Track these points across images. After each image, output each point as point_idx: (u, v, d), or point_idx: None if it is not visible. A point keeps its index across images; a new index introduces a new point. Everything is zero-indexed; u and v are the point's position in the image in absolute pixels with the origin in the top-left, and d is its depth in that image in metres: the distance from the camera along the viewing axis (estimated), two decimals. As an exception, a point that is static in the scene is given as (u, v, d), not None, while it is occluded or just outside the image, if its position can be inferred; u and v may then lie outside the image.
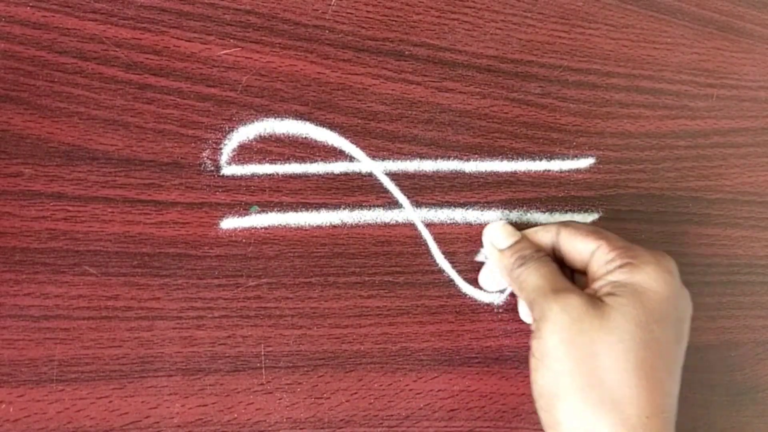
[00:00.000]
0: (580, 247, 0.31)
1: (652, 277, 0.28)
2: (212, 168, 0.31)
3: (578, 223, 0.32)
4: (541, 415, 0.29)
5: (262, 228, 0.32)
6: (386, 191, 0.34)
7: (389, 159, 0.34)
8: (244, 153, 0.32)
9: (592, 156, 0.38)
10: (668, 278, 0.28)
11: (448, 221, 0.35)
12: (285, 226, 0.32)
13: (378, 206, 0.34)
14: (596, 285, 0.29)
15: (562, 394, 0.27)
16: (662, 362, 0.27)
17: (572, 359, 0.27)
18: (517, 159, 0.36)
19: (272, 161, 0.32)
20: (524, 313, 0.34)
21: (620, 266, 0.29)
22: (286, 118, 0.33)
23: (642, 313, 0.27)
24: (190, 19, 0.31)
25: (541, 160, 0.37)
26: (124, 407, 0.29)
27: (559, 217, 0.37)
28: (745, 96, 0.42)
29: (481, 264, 0.35)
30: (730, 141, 0.41)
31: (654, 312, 0.27)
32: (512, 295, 0.35)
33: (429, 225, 0.34)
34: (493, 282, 0.34)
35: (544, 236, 0.32)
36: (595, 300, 0.28)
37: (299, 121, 0.33)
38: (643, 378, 0.26)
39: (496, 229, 0.33)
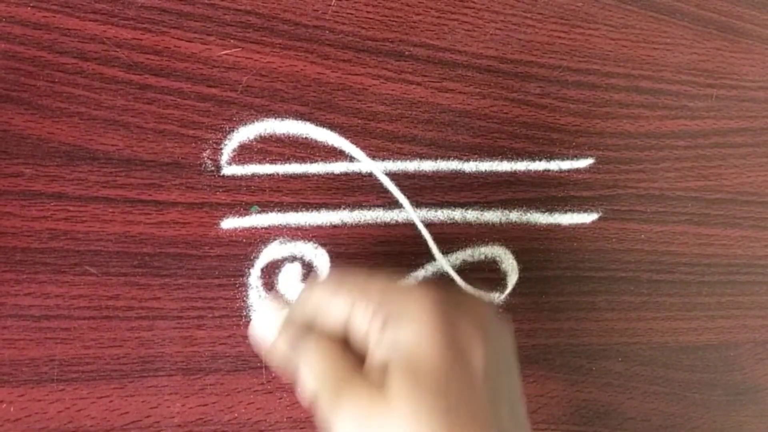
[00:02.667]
0: (337, 314, 0.25)
1: (415, 330, 0.24)
2: (212, 168, 0.31)
3: (321, 279, 0.28)
4: None
5: (262, 228, 0.32)
6: (386, 191, 0.34)
7: (389, 159, 0.34)
8: (245, 153, 0.32)
9: (591, 156, 0.38)
10: (435, 319, 0.24)
11: (448, 221, 0.35)
12: (285, 226, 0.32)
13: (378, 206, 0.34)
14: (371, 358, 0.25)
15: None
16: (469, 416, 0.23)
17: None
18: (517, 159, 0.36)
19: (272, 161, 0.32)
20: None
21: (381, 328, 0.24)
22: (286, 118, 0.33)
23: (423, 387, 0.23)
24: (191, 20, 0.31)
25: (541, 160, 0.37)
26: (124, 407, 0.29)
27: (558, 217, 0.37)
28: (745, 96, 0.42)
29: None
30: (729, 141, 0.41)
31: (433, 380, 0.23)
32: (512, 294, 0.35)
33: (429, 225, 0.35)
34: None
35: (297, 317, 0.27)
36: (377, 391, 0.23)
37: (299, 121, 0.33)
38: None
39: (257, 322, 0.27)
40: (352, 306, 0.25)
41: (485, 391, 0.24)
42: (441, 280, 0.34)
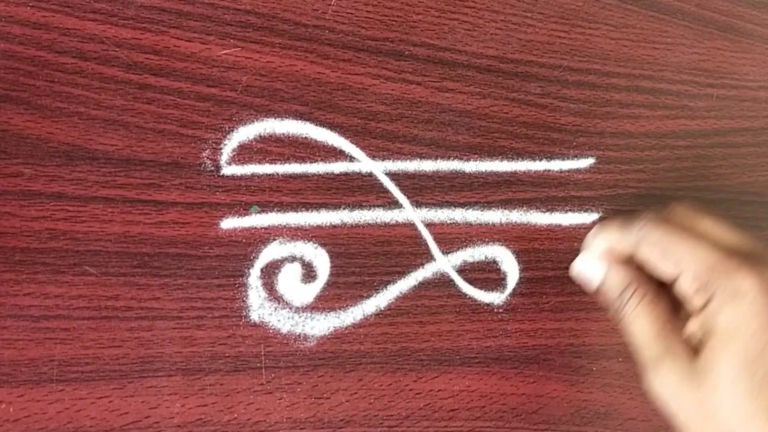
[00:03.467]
0: (662, 270, 0.30)
1: (733, 317, 0.26)
2: (212, 168, 0.31)
3: (655, 228, 0.30)
4: None
5: (261, 228, 0.32)
6: (386, 191, 0.34)
7: (389, 159, 0.34)
8: (244, 153, 0.32)
9: (592, 156, 0.38)
10: (752, 304, 0.26)
11: (448, 221, 0.35)
12: (285, 226, 0.32)
13: (378, 206, 0.34)
14: (691, 326, 0.29)
15: None
16: None
17: (693, 425, 0.27)
18: (517, 159, 0.36)
19: (272, 161, 0.32)
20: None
21: (702, 306, 0.28)
22: (286, 118, 0.33)
23: (740, 356, 0.26)
24: (190, 19, 0.31)
25: (541, 160, 0.37)
26: (124, 407, 0.29)
27: (559, 217, 0.37)
28: (745, 96, 0.42)
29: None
30: (730, 141, 0.41)
31: (751, 348, 0.26)
32: (512, 295, 0.35)
33: (429, 225, 0.34)
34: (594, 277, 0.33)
35: (622, 243, 0.32)
36: (689, 366, 0.27)
37: (299, 121, 0.33)
38: (760, 422, 0.25)
39: (579, 268, 0.33)
40: (681, 271, 0.28)
41: None
42: (449, 282, 0.34)
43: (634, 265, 0.32)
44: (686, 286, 0.29)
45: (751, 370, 0.26)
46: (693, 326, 0.28)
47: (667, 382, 0.28)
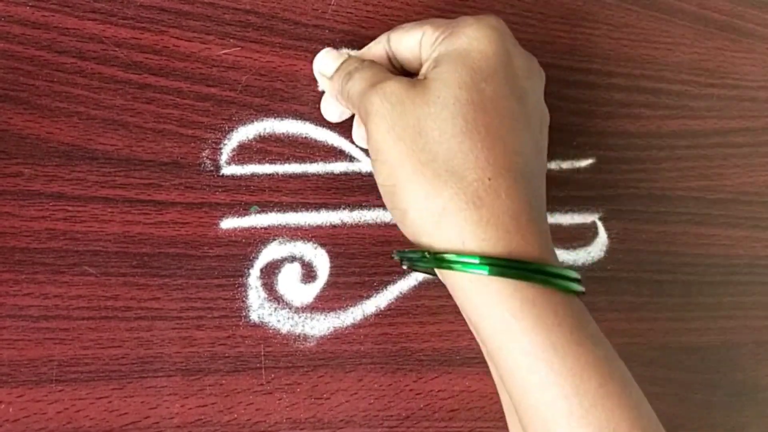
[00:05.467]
0: (409, 43, 0.28)
1: (472, 38, 0.25)
2: (212, 168, 0.31)
3: (406, 24, 0.29)
4: (393, 215, 0.27)
5: (261, 228, 0.32)
6: (386, 191, 0.34)
7: (389, 159, 0.34)
8: (244, 153, 0.32)
9: (592, 156, 0.38)
10: (492, 35, 0.25)
11: (448, 221, 0.35)
12: (284, 226, 0.32)
13: (378, 206, 0.34)
14: (423, 69, 0.27)
15: (398, 182, 0.25)
16: (499, 120, 0.24)
17: (401, 143, 0.24)
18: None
19: (272, 161, 0.32)
20: (357, 135, 0.32)
21: (442, 40, 0.26)
22: (286, 118, 0.33)
23: (465, 74, 0.24)
24: (190, 19, 0.31)
25: (541, 160, 0.37)
26: (123, 407, 0.29)
27: (559, 217, 0.37)
28: (746, 96, 0.42)
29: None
30: (730, 141, 0.41)
31: (480, 70, 0.25)
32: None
33: (429, 225, 0.34)
34: (333, 111, 0.32)
35: (376, 49, 0.30)
36: (415, 80, 0.26)
37: (299, 121, 0.33)
38: (477, 138, 0.24)
39: (321, 57, 0.31)
40: (423, 34, 0.27)
41: (521, 111, 0.25)
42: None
43: None
44: (428, 39, 0.27)
45: (477, 88, 0.24)
46: (426, 63, 0.27)
47: (391, 92, 0.25)
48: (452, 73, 0.25)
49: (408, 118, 0.24)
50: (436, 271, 0.26)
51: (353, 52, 0.32)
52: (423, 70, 0.27)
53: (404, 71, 0.30)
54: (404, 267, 0.28)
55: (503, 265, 0.23)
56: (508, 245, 0.23)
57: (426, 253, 0.24)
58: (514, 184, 0.24)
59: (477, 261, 0.23)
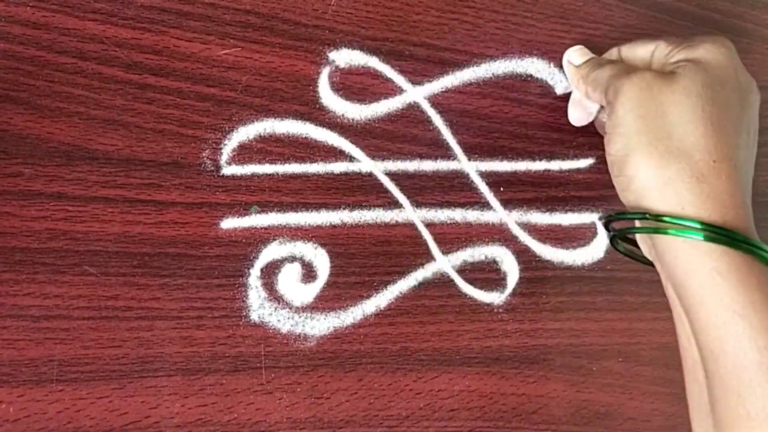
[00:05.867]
0: (641, 53, 0.33)
1: (709, 50, 0.29)
2: (212, 168, 0.31)
3: (639, 40, 0.34)
4: (615, 183, 0.30)
5: (261, 228, 0.32)
6: (386, 191, 0.34)
7: (389, 159, 0.34)
8: (244, 153, 0.32)
9: (592, 156, 0.38)
10: (725, 51, 0.30)
11: (448, 221, 0.35)
12: (285, 226, 0.32)
13: (378, 206, 0.34)
14: (663, 68, 0.31)
15: (632, 152, 0.28)
16: (728, 118, 0.28)
17: (642, 120, 0.28)
18: (517, 159, 0.36)
19: (272, 161, 0.32)
20: (574, 115, 0.36)
21: (680, 50, 0.30)
22: (286, 118, 0.33)
23: (707, 76, 0.29)
24: (190, 19, 0.31)
25: (541, 160, 0.37)
26: (123, 407, 0.29)
27: (559, 217, 0.37)
28: (746, 96, 0.42)
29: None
30: (730, 141, 0.41)
31: (717, 77, 0.29)
32: (512, 294, 0.35)
33: (429, 225, 0.34)
34: (580, 115, 0.36)
35: (609, 57, 0.35)
36: (664, 72, 0.30)
37: (299, 121, 0.33)
38: (710, 128, 0.28)
39: (572, 51, 0.36)
40: (656, 47, 0.32)
41: (740, 111, 0.30)
42: (449, 282, 0.34)
43: None
44: (663, 52, 0.31)
45: (713, 89, 0.28)
46: (664, 66, 0.31)
47: (642, 78, 0.29)
48: (696, 72, 0.29)
49: (654, 100, 0.29)
50: (645, 237, 0.30)
51: (590, 54, 0.36)
52: (664, 67, 0.31)
53: None
54: (609, 234, 0.33)
55: (717, 232, 0.26)
56: (722, 216, 0.27)
57: (647, 215, 0.28)
58: (733, 170, 0.28)
59: (696, 225, 0.27)
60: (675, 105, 0.28)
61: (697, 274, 0.27)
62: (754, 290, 0.26)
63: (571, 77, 0.36)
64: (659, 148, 0.28)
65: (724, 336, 0.26)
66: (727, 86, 0.29)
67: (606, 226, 0.33)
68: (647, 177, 0.28)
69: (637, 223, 0.30)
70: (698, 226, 0.27)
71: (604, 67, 0.32)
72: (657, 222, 0.28)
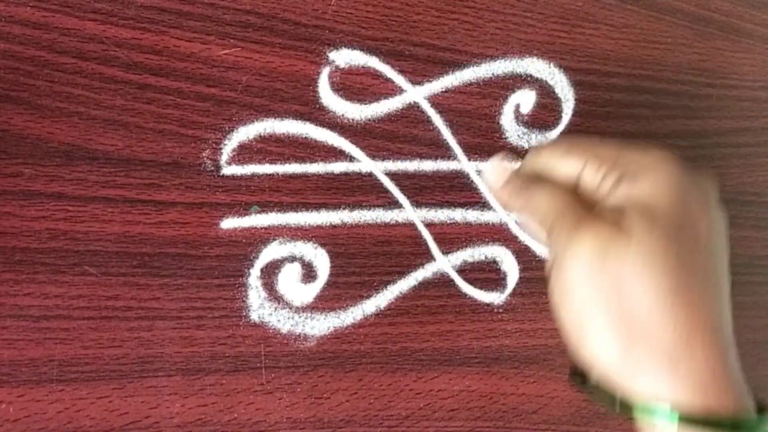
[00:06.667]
0: (566, 171, 0.28)
1: (655, 183, 0.25)
2: (212, 168, 0.31)
3: (549, 142, 0.30)
4: (572, 352, 0.26)
5: (261, 228, 0.32)
6: (386, 191, 0.34)
7: (389, 159, 0.34)
8: (244, 153, 0.32)
9: (592, 156, 0.38)
10: (673, 184, 0.26)
11: (448, 221, 0.35)
12: (285, 226, 0.32)
13: (378, 206, 0.34)
14: (599, 206, 0.27)
15: (589, 331, 0.25)
16: (693, 278, 0.25)
17: (598, 293, 0.25)
18: (517, 159, 0.36)
19: (272, 161, 0.32)
20: (532, 230, 0.33)
21: (617, 183, 0.26)
22: (286, 118, 0.33)
23: (661, 227, 0.24)
24: (190, 19, 0.31)
25: (541, 160, 0.37)
26: (123, 407, 0.29)
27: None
28: (745, 96, 0.42)
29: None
30: (730, 141, 0.41)
31: (673, 223, 0.25)
32: (512, 294, 0.35)
33: (429, 225, 0.34)
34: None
35: (534, 166, 0.30)
36: (615, 229, 0.25)
37: (299, 121, 0.33)
38: (678, 297, 0.24)
39: (487, 171, 0.33)
40: (583, 165, 0.27)
41: (706, 257, 0.25)
42: (449, 282, 0.34)
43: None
44: (592, 174, 0.27)
45: (672, 245, 0.24)
46: (604, 207, 0.26)
47: (597, 238, 0.25)
48: (651, 227, 0.24)
49: (610, 271, 0.24)
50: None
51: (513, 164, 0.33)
52: (604, 208, 0.27)
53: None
54: (577, 386, 0.27)
55: (698, 420, 0.23)
56: (703, 399, 0.23)
57: (618, 400, 0.25)
58: (709, 339, 0.24)
59: (673, 415, 0.23)
60: (635, 277, 0.24)
61: None
62: None
63: (498, 200, 0.33)
64: (622, 331, 0.24)
65: None
66: (686, 227, 0.25)
67: (574, 373, 0.28)
68: (611, 361, 0.24)
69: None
70: (676, 415, 0.23)
71: (540, 194, 0.28)
72: (630, 410, 0.24)
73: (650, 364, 0.24)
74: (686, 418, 0.23)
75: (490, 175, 0.33)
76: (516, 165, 0.33)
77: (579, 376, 0.27)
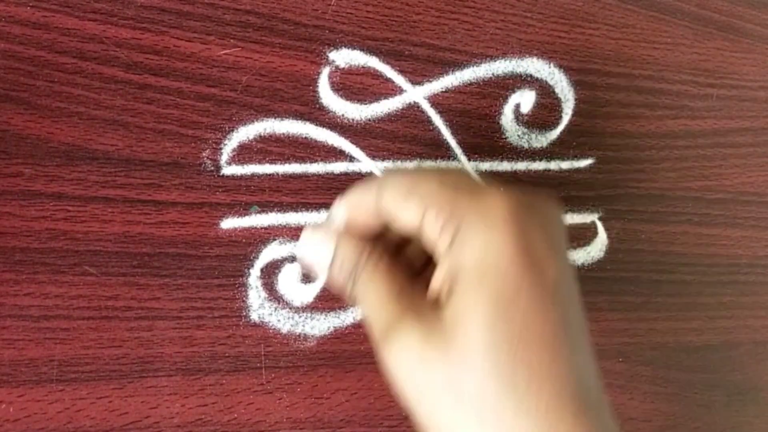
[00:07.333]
0: (407, 217, 0.24)
1: (482, 250, 0.22)
2: (212, 168, 0.31)
3: (396, 174, 0.25)
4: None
5: (261, 228, 0.32)
6: (386, 191, 0.34)
7: (389, 159, 0.34)
8: (244, 153, 0.32)
9: (592, 156, 0.38)
10: (502, 241, 0.22)
11: (448, 221, 0.35)
12: (285, 226, 0.32)
13: (378, 206, 0.34)
14: (436, 277, 0.24)
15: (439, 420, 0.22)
16: (540, 345, 0.21)
17: (438, 406, 0.22)
18: (517, 159, 0.36)
19: (272, 161, 0.32)
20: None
21: (450, 243, 0.23)
22: (286, 118, 0.33)
23: (489, 306, 0.21)
24: (190, 19, 0.31)
25: (541, 160, 0.37)
26: (123, 407, 0.29)
27: (558, 217, 0.37)
28: (745, 96, 0.42)
29: None
30: (730, 141, 0.41)
31: (503, 293, 0.21)
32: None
33: (429, 225, 0.34)
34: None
35: (364, 210, 0.26)
36: (431, 326, 0.22)
37: (299, 121, 0.33)
38: (520, 384, 0.21)
39: (304, 250, 0.27)
40: (423, 213, 0.23)
41: (557, 309, 0.22)
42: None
43: (368, 236, 0.26)
44: (431, 227, 0.23)
45: (505, 320, 0.21)
46: (438, 277, 0.23)
47: (407, 348, 0.22)
48: (473, 310, 0.21)
49: (436, 378, 0.22)
50: None
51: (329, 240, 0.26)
52: (436, 285, 0.24)
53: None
54: None
55: None
56: None
57: None
58: (570, 406, 0.21)
59: None
60: (466, 374, 0.21)
61: None
62: None
63: (329, 285, 0.28)
64: (474, 420, 0.21)
65: None
66: (524, 299, 0.21)
67: None
68: None
69: None
70: None
71: (360, 287, 0.25)
72: None
73: None
74: None
75: (307, 252, 0.27)
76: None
77: None
